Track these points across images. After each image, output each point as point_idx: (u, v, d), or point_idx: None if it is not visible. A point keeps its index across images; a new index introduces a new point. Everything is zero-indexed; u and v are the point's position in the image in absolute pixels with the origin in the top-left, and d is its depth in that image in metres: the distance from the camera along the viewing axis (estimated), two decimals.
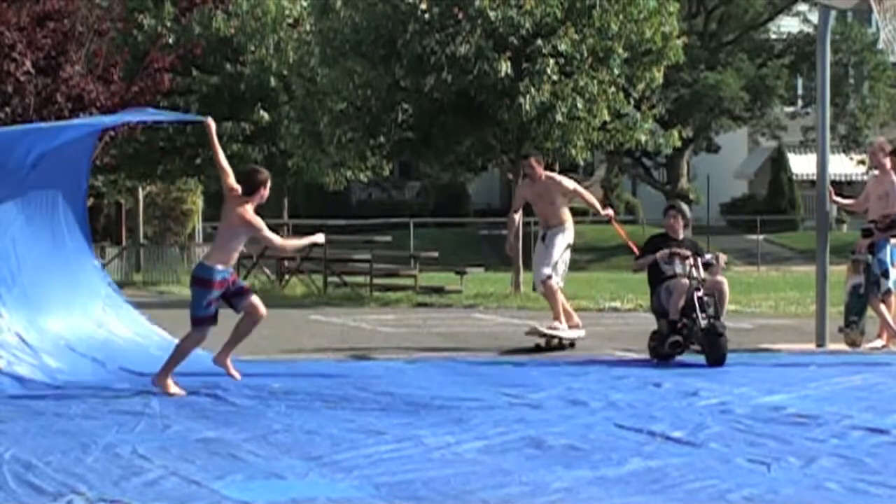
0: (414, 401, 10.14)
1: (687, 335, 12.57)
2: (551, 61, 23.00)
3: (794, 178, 49.75)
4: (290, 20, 33.30)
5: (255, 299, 10.75)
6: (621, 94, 23.97)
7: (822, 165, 15.17)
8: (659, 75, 24.72)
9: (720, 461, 7.70)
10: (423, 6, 23.33)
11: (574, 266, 19.69)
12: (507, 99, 23.20)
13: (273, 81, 31.73)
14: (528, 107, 22.90)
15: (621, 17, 23.44)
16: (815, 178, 16.63)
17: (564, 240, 13.81)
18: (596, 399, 10.25)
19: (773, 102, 44.33)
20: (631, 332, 16.89)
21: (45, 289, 12.22)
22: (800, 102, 48.92)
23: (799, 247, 43.36)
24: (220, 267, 10.53)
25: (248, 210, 10.45)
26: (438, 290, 24.27)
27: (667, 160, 44.67)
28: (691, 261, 12.82)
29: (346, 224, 31.47)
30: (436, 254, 25.93)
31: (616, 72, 23.66)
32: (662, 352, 12.76)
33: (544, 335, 13.60)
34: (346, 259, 26.37)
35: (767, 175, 50.70)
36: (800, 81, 47.73)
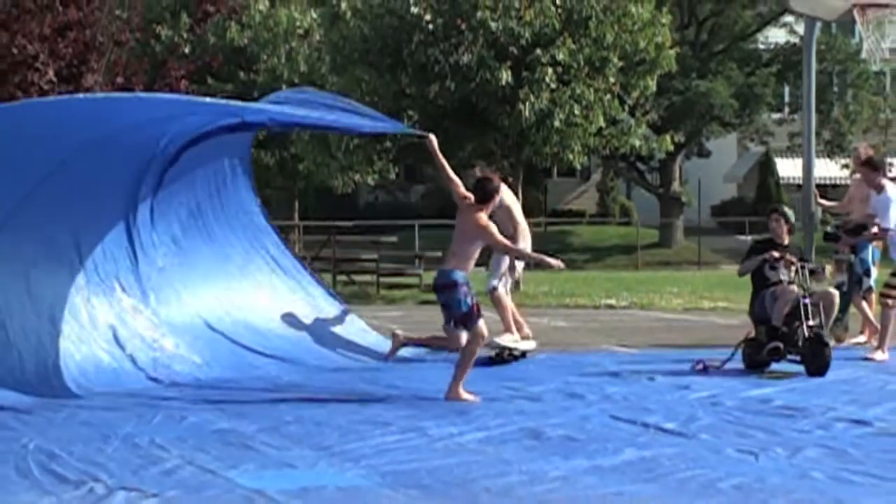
0: (418, 394, 10.35)
1: (787, 343, 11.90)
2: (550, 70, 23.27)
3: (781, 181, 49.85)
4: (301, 31, 33.57)
5: (482, 324, 10.34)
6: (616, 102, 24.26)
7: (807, 169, 15.46)
8: (652, 83, 25.01)
9: (710, 451, 7.88)
10: (428, 17, 23.61)
11: (571, 266, 19.99)
12: (508, 106, 23.48)
13: (284, 89, 32.04)
14: (527, 113, 23.18)
15: (616, 28, 23.68)
16: (801, 181, 16.94)
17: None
18: (592, 392, 10.41)
19: (761, 109, 44.46)
20: (625, 328, 17.09)
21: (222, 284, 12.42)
22: (786, 109, 49.15)
23: None
24: (460, 273, 10.32)
25: (483, 217, 10.41)
26: None
27: (660, 164, 44.84)
28: (798, 267, 12.31)
29: (353, 225, 31.64)
30: (440, 254, 26.01)
31: (611, 80, 23.93)
32: (758, 359, 12.01)
33: (497, 347, 13.01)
34: (353, 259, 26.52)
35: (756, 178, 50.81)
36: (786, 89, 47.93)
